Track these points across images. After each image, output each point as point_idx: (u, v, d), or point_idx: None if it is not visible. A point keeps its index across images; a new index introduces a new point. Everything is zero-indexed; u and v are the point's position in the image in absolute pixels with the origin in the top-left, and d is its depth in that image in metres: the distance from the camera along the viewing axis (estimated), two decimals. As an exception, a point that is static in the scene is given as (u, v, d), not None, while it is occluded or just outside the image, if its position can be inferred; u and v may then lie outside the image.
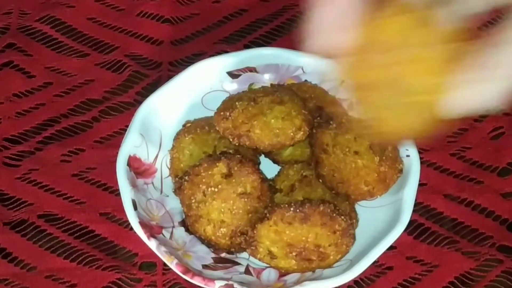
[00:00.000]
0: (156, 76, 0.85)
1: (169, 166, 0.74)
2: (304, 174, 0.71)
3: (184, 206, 0.70)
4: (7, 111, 0.83)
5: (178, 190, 0.71)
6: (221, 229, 0.68)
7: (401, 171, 0.71)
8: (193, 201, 0.68)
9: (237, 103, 0.71)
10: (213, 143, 0.73)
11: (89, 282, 0.72)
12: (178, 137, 0.74)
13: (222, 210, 0.68)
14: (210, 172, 0.68)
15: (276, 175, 0.73)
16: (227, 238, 0.68)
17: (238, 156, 0.69)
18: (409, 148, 0.72)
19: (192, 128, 0.74)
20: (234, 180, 0.68)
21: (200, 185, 0.68)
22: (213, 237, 0.69)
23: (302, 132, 0.70)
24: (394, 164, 0.71)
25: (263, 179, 0.69)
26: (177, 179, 0.72)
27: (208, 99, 0.78)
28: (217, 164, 0.68)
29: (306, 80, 0.78)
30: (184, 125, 0.75)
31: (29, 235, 0.75)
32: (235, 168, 0.68)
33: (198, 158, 0.71)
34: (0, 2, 0.92)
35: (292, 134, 0.70)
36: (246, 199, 0.68)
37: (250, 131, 0.70)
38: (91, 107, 0.83)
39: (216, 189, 0.68)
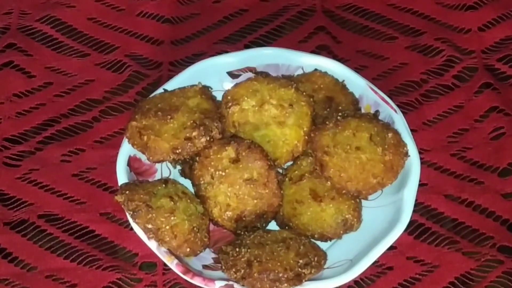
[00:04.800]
0: (157, 76, 0.85)
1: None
2: (315, 167, 0.71)
3: (194, 186, 0.71)
4: (7, 111, 0.83)
5: (183, 172, 0.73)
6: (227, 212, 0.69)
7: (406, 153, 0.71)
8: (202, 182, 0.69)
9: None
10: None
11: (89, 282, 0.72)
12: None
13: (229, 194, 0.69)
14: (219, 156, 0.69)
15: (290, 164, 0.73)
16: (232, 221, 0.69)
17: (248, 141, 0.69)
18: (409, 148, 0.72)
19: None
20: (241, 166, 0.68)
21: (209, 168, 0.69)
22: (219, 219, 0.70)
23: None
24: (398, 149, 0.71)
25: (271, 165, 0.69)
26: (181, 162, 0.73)
27: (208, 99, 0.78)
28: (226, 148, 0.69)
29: (316, 69, 0.78)
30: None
31: (29, 235, 0.75)
32: (243, 154, 0.68)
33: None
34: (0, 2, 0.92)
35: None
36: (252, 185, 0.68)
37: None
38: (91, 107, 0.83)
39: (223, 173, 0.68)
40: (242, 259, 0.66)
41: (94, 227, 0.75)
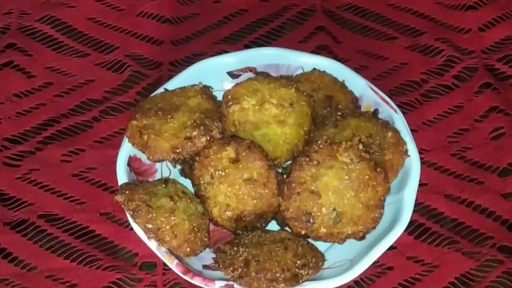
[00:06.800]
0: (157, 76, 0.85)
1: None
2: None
3: (194, 186, 0.71)
4: (7, 111, 0.83)
5: (183, 172, 0.73)
6: (227, 212, 0.69)
7: (406, 152, 0.71)
8: (201, 182, 0.69)
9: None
10: None
11: (89, 282, 0.72)
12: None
13: (228, 194, 0.69)
14: (218, 156, 0.69)
15: (290, 164, 0.73)
16: (232, 221, 0.69)
17: (247, 141, 0.69)
18: (409, 148, 0.72)
19: None
20: (241, 166, 0.68)
21: (209, 168, 0.69)
22: (219, 219, 0.70)
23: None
24: (398, 148, 0.71)
25: (270, 166, 0.69)
26: (181, 161, 0.73)
27: (209, 99, 0.78)
28: (226, 148, 0.69)
29: (314, 69, 0.78)
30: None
31: (29, 235, 0.75)
32: (243, 154, 0.68)
33: None
34: (0, 2, 0.92)
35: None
36: (251, 185, 0.68)
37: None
38: (91, 107, 0.83)
39: (223, 173, 0.69)
40: (240, 258, 0.66)
41: (94, 227, 0.75)
